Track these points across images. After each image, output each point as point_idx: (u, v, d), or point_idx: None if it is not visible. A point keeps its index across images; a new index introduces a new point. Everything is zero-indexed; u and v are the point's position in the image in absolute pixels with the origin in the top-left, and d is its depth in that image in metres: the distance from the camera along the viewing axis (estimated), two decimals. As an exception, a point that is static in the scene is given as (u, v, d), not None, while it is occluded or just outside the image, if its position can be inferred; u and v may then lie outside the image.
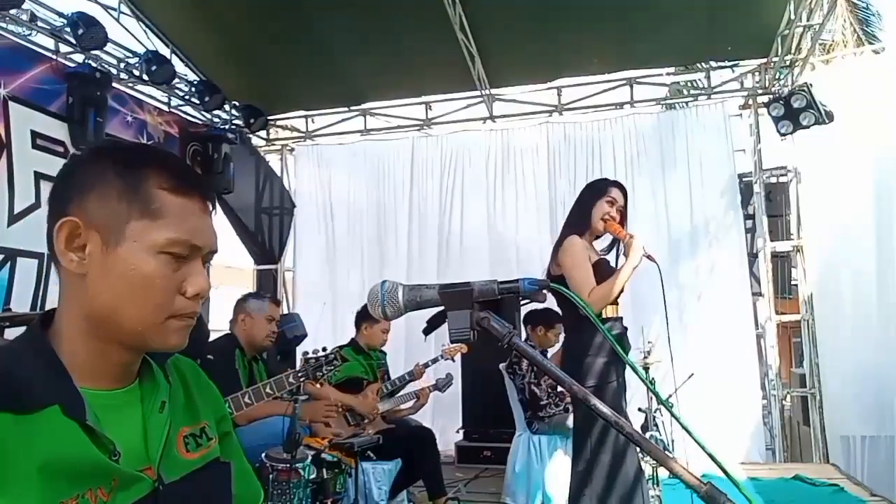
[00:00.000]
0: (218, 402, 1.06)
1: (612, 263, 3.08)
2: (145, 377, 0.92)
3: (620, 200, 2.99)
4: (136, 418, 0.89)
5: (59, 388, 0.81)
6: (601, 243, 3.15)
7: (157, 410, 0.90)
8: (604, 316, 2.84)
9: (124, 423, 0.86)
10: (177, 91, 6.06)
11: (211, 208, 0.91)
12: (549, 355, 4.54)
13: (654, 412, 4.25)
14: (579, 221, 3.00)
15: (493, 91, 6.50)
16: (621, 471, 2.79)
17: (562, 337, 4.43)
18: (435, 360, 4.80)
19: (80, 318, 0.85)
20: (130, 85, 5.68)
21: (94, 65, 4.93)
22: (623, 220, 3.02)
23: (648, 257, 2.78)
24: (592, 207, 2.97)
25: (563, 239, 2.95)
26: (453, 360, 4.99)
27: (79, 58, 4.99)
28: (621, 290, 2.82)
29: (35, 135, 4.53)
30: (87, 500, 0.78)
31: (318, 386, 3.49)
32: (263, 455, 2.98)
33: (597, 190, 3.03)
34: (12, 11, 4.46)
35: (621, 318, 2.97)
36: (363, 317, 4.40)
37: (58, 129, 4.68)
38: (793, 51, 5.66)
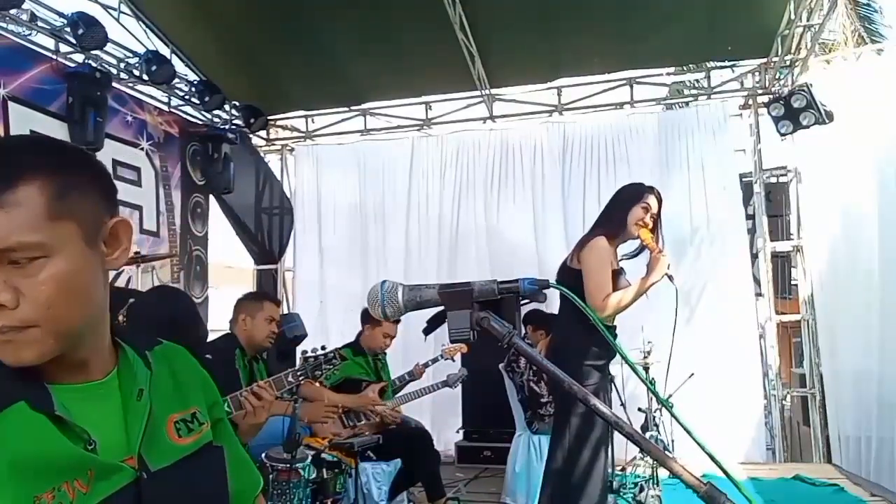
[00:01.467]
0: (209, 388, 1.04)
1: (635, 268, 3.06)
2: (123, 367, 0.90)
3: (655, 207, 2.96)
4: (115, 409, 0.87)
5: (24, 384, 0.80)
6: (625, 248, 3.13)
7: (134, 399, 0.88)
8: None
9: (101, 414, 0.85)
10: (177, 91, 6.07)
11: (8, 194, 0.74)
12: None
13: (654, 412, 4.26)
14: (613, 224, 2.96)
15: (493, 91, 6.50)
16: (595, 465, 2.79)
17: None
18: (435, 360, 4.79)
19: None
20: (130, 85, 5.68)
21: (94, 65, 4.93)
22: (656, 228, 2.98)
23: (669, 277, 2.77)
24: (628, 212, 2.93)
25: (591, 238, 2.92)
26: (453, 360, 4.99)
27: (79, 58, 4.99)
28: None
29: (35, 135, 4.53)
30: (65, 492, 0.77)
31: (316, 385, 3.48)
32: (263, 455, 2.98)
33: (634, 194, 2.99)
34: (12, 11, 4.46)
35: (614, 327, 2.97)
36: (365, 318, 4.38)
37: (57, 129, 4.68)
38: (793, 51, 5.66)
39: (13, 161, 0.78)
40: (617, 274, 2.91)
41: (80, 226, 0.80)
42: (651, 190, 3.00)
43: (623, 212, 2.95)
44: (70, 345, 0.82)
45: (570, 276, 2.85)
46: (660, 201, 2.99)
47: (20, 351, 0.78)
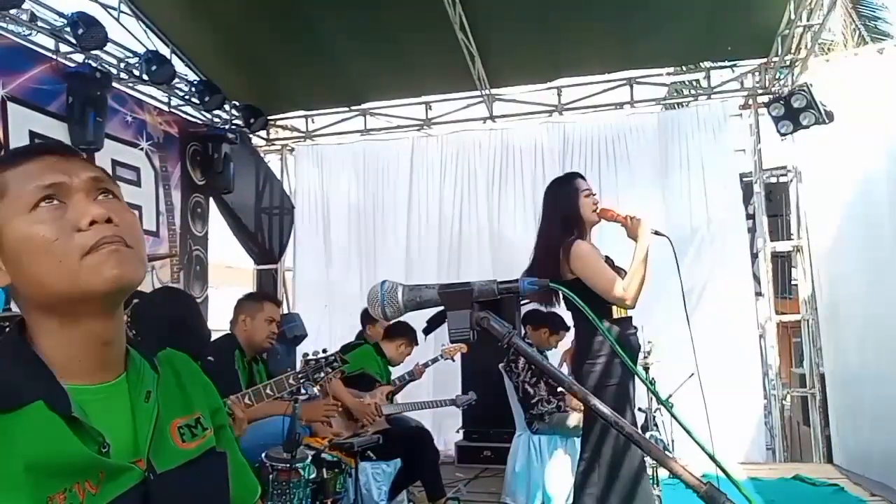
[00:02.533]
0: (212, 394, 1.05)
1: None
2: (131, 370, 0.92)
3: (592, 188, 3.00)
4: (125, 411, 0.89)
5: (42, 384, 0.81)
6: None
7: (142, 401, 0.90)
8: (614, 316, 2.83)
9: (112, 416, 0.86)
10: (177, 91, 6.07)
11: (72, 154, 0.90)
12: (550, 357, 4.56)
13: (654, 412, 4.25)
14: (574, 225, 2.92)
15: (493, 91, 6.50)
16: (623, 468, 2.78)
17: (561, 344, 4.46)
18: (435, 360, 4.81)
19: (35, 315, 0.86)
20: (130, 85, 5.68)
21: (94, 65, 4.93)
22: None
23: (657, 233, 2.76)
24: (578, 207, 2.92)
25: (570, 246, 2.86)
26: (453, 360, 5.00)
27: (79, 58, 4.99)
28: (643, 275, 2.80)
29: (34, 135, 4.53)
30: (75, 493, 0.78)
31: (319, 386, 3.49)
32: (263, 455, 2.98)
33: (570, 189, 2.97)
34: (12, 11, 4.46)
35: (630, 318, 2.94)
36: (401, 333, 4.38)
37: (57, 130, 4.68)
38: (793, 51, 5.66)
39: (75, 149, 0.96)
40: (608, 261, 2.92)
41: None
42: (576, 175, 3.04)
43: (574, 209, 2.93)
44: (140, 282, 0.91)
45: (567, 288, 2.82)
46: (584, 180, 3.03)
47: (126, 263, 0.85)
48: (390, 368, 4.55)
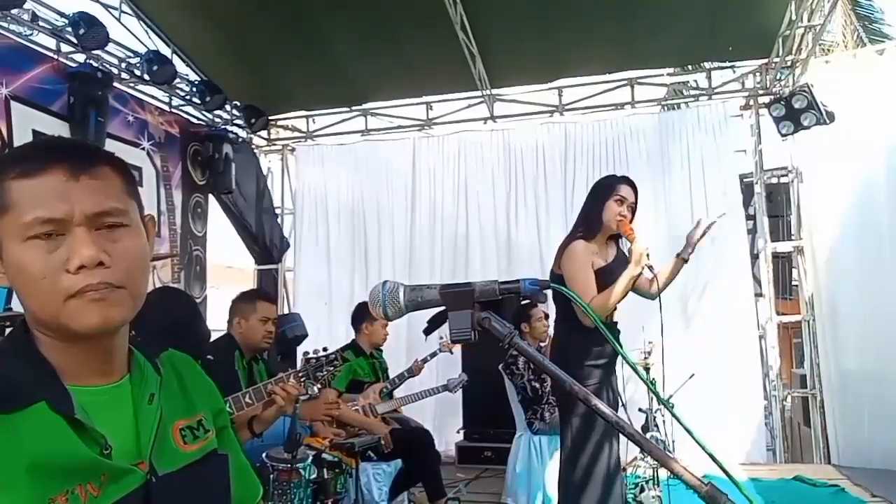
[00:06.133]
0: (214, 396, 1.05)
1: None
2: (135, 372, 0.92)
3: (631, 197, 2.87)
4: (128, 413, 0.88)
5: (46, 384, 0.81)
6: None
7: (146, 403, 0.90)
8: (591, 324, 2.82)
9: (115, 417, 0.86)
10: (178, 91, 6.07)
11: (82, 170, 0.83)
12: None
13: (655, 412, 4.26)
14: (589, 223, 2.90)
15: (494, 91, 6.49)
16: (598, 464, 2.77)
17: (541, 322, 4.38)
18: (434, 355, 4.80)
19: (34, 324, 0.86)
20: (132, 85, 5.69)
21: (95, 65, 4.94)
22: (632, 218, 2.89)
23: (649, 268, 2.68)
24: (603, 208, 2.86)
25: (568, 242, 2.87)
26: (451, 353, 4.99)
27: (80, 57, 4.99)
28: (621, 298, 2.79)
29: (37, 134, 4.54)
30: (77, 495, 0.78)
31: (330, 394, 3.50)
32: (264, 455, 2.98)
33: (605, 189, 2.90)
34: (14, 11, 4.46)
35: (616, 323, 2.93)
36: (362, 317, 4.36)
37: (59, 129, 4.69)
38: (793, 51, 5.66)
39: (91, 148, 0.90)
40: (605, 272, 2.84)
41: (139, 209, 0.91)
42: (624, 179, 2.92)
43: (598, 208, 2.87)
44: (130, 319, 0.88)
45: (557, 282, 2.82)
46: (635, 189, 2.90)
47: (109, 309, 0.83)
48: (380, 360, 4.50)
